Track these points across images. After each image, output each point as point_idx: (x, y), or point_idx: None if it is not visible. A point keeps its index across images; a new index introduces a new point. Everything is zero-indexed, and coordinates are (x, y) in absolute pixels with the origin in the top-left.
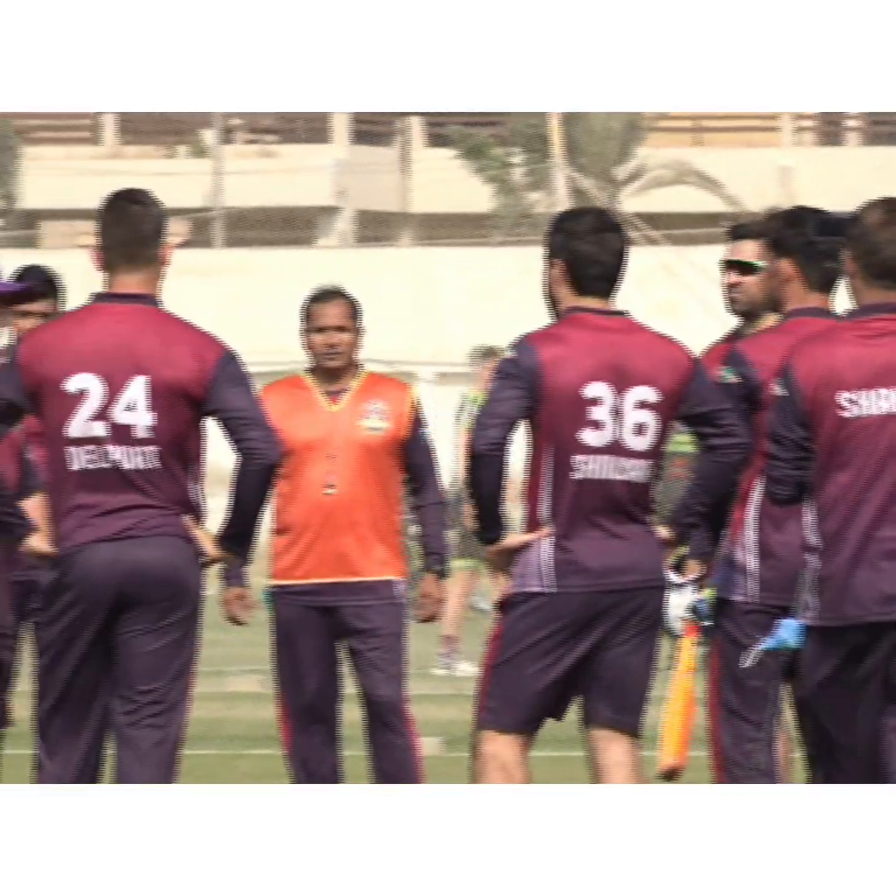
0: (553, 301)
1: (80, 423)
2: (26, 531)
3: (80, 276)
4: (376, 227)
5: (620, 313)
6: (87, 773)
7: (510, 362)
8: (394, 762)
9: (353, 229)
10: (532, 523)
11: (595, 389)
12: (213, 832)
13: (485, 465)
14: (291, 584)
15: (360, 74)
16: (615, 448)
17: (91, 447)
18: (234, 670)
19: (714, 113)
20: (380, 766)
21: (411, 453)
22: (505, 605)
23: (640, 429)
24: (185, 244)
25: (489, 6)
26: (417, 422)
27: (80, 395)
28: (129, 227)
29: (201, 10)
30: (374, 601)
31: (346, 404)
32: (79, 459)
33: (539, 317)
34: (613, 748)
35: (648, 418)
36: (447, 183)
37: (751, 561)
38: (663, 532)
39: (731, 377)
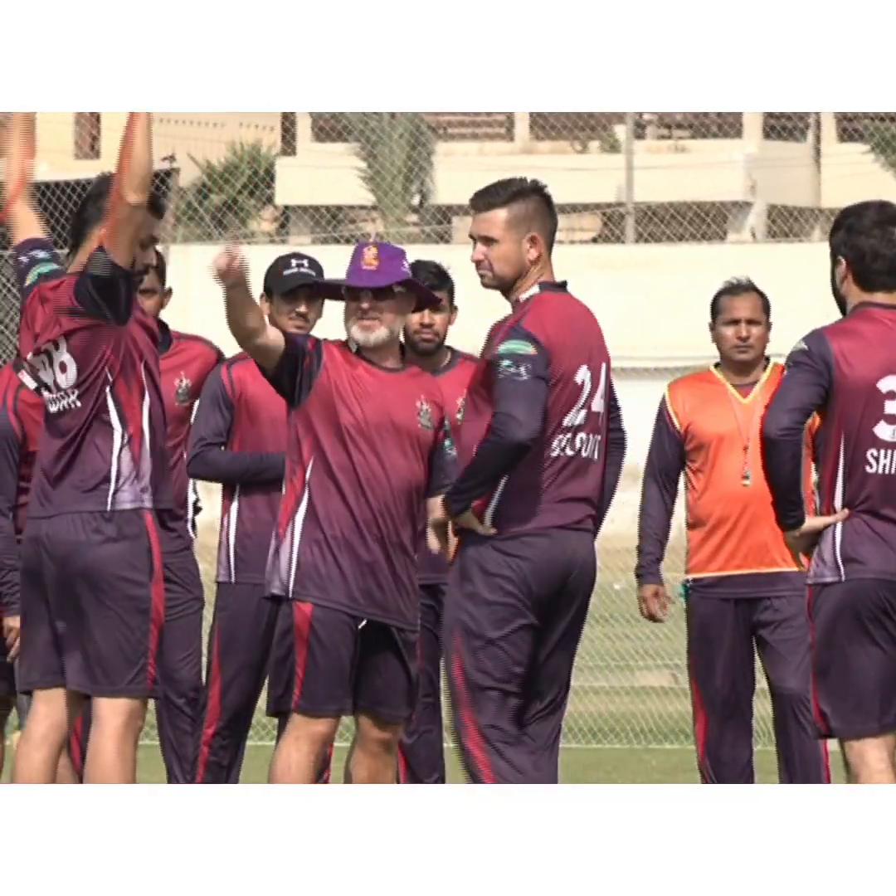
0: (840, 299)
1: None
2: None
3: None
4: (787, 222)
5: None
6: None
7: (803, 352)
8: (801, 756)
9: (765, 224)
10: (827, 514)
11: (890, 383)
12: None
13: (778, 450)
14: (707, 576)
15: (770, 73)
16: None
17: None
18: (642, 664)
19: None
20: (787, 759)
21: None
22: (810, 607)
23: None
24: (596, 239)
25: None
26: None
27: (582, 387)
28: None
29: (613, 8)
30: (789, 592)
31: (756, 397)
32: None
33: None
34: None
35: None
36: (859, 177)
37: None
38: None
39: None
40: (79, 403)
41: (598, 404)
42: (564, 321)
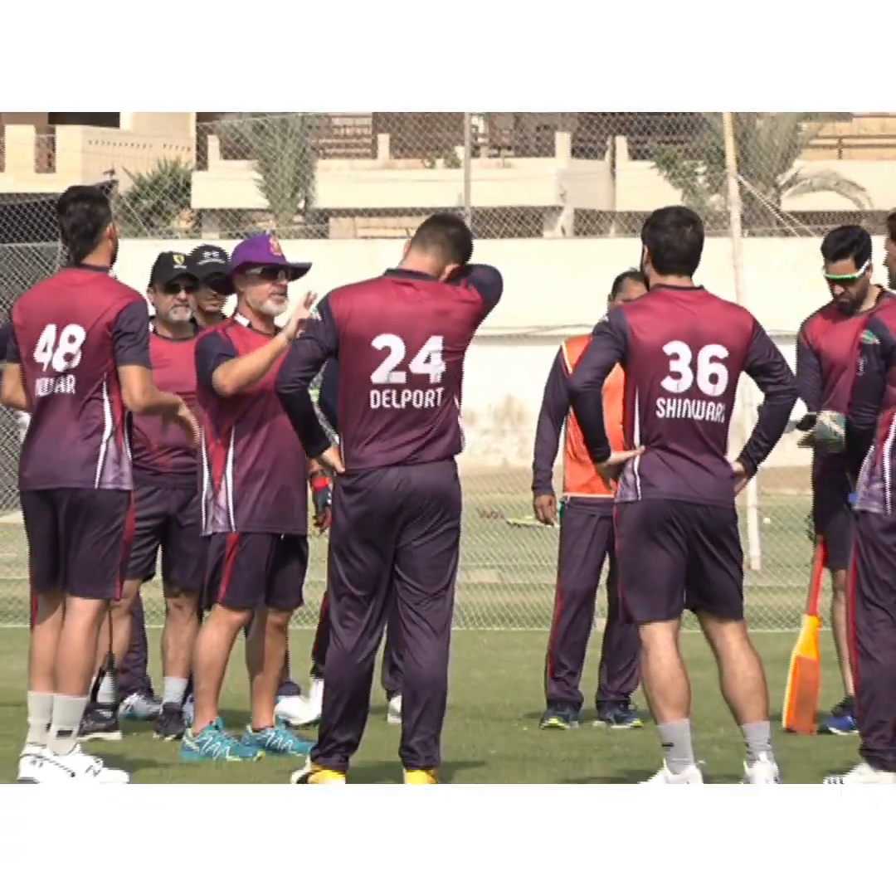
0: (646, 279)
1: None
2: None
3: (361, 261)
4: (590, 223)
5: (697, 288)
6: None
7: (604, 324)
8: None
9: (572, 224)
10: (628, 449)
11: (674, 347)
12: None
13: (583, 400)
14: (582, 496)
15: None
16: (693, 393)
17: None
18: (475, 565)
19: (856, 133)
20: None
21: None
22: (617, 521)
23: (713, 378)
24: None
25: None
26: None
27: (385, 351)
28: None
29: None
30: None
31: None
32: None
33: (724, 291)
34: (727, 633)
35: (720, 370)
36: (646, 187)
37: (888, 480)
38: (737, 465)
39: (871, 339)
40: None
41: (419, 367)
42: (366, 299)
